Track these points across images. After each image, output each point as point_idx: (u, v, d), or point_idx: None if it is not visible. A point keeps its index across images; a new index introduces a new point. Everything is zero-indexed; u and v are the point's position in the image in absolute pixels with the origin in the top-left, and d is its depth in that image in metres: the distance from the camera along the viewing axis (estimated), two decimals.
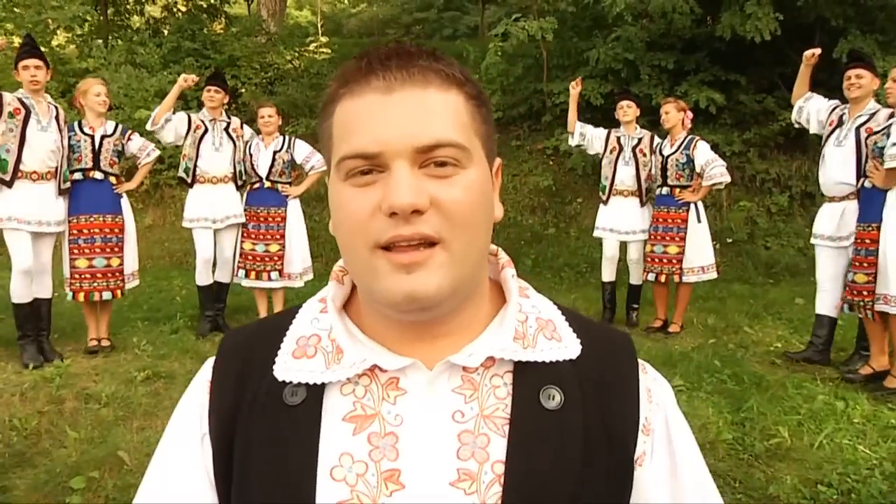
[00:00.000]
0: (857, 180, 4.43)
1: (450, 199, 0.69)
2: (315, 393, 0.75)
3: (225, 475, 0.77)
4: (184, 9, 14.05)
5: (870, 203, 4.25)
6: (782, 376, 4.38)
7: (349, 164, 0.70)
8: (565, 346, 0.78)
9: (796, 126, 5.16)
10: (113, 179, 5.13)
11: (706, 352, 4.96)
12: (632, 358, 0.82)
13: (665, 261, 5.50)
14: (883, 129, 4.24)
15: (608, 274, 5.91)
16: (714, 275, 5.61)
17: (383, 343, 0.76)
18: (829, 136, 4.65)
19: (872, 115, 4.46)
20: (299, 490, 0.72)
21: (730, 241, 8.50)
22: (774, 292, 7.11)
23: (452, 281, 0.70)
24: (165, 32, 13.09)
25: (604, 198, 5.90)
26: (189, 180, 5.55)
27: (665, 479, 0.79)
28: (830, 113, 4.73)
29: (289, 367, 0.77)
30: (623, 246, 5.89)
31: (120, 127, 5.24)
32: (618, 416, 0.77)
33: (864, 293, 4.23)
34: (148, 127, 5.36)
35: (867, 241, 4.24)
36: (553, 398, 0.74)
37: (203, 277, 5.67)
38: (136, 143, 5.35)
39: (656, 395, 0.82)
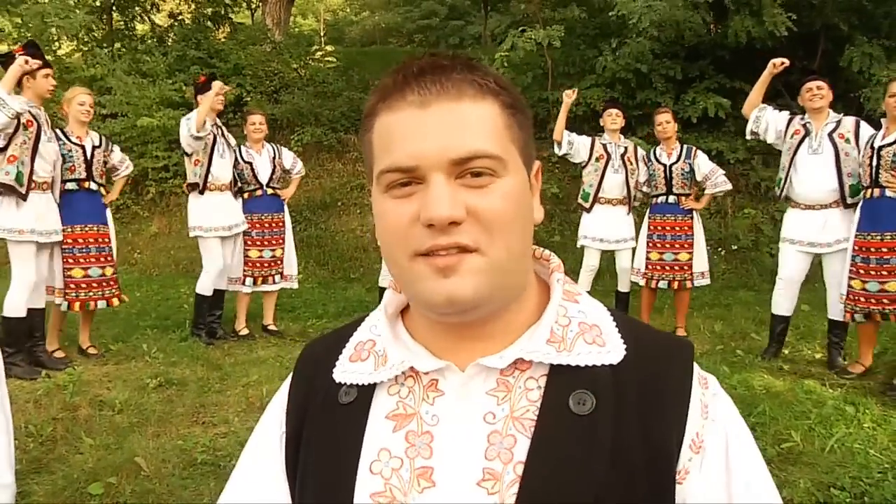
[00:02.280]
0: (840, 186, 4.63)
1: (486, 208, 0.71)
2: (365, 393, 0.80)
3: (294, 471, 0.83)
4: (189, 17, 14.12)
5: (893, 212, 4.31)
6: (791, 382, 4.41)
7: (388, 177, 0.73)
8: (607, 351, 0.77)
9: (749, 137, 5.26)
10: (102, 190, 5.20)
11: (714, 358, 4.99)
12: (686, 368, 0.79)
13: (678, 268, 5.59)
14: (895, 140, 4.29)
15: (586, 284, 5.91)
16: (709, 280, 5.80)
17: (427, 345, 0.80)
18: (798, 145, 4.77)
19: (838, 122, 4.69)
20: (341, 482, 0.76)
21: (735, 248, 8.53)
22: None
23: (490, 285, 0.72)
24: (170, 41, 13.16)
25: (587, 206, 5.89)
26: (201, 187, 5.55)
27: (718, 501, 0.75)
28: (788, 123, 4.87)
29: (345, 369, 0.83)
30: (608, 255, 5.93)
31: (104, 139, 5.30)
32: (660, 426, 0.74)
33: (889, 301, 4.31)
34: (194, 133, 5.28)
35: None
36: (584, 403, 0.74)
37: (211, 287, 5.66)
38: (116, 156, 5.48)
39: (714, 411, 0.78)
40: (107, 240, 5.14)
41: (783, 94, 8.85)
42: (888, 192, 4.30)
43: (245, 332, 5.89)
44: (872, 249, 4.36)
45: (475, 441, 0.74)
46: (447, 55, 0.77)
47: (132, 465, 3.28)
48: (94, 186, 5.08)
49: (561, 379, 0.75)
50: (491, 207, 0.71)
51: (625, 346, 0.78)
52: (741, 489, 0.75)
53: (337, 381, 0.82)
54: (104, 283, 5.10)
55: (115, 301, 5.21)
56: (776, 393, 4.16)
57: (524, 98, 0.81)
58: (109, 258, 5.15)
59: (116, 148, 5.54)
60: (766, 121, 4.99)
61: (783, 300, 5.01)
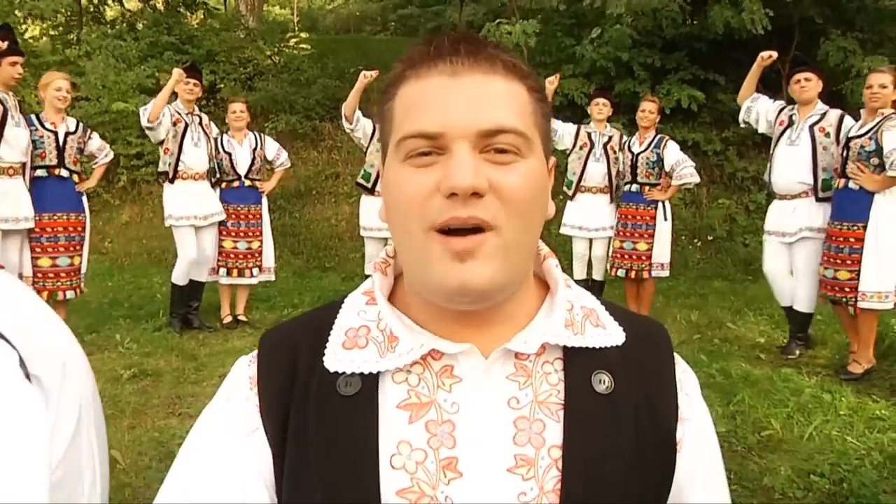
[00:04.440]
0: (814, 179, 4.64)
1: (509, 185, 0.69)
2: (369, 382, 0.74)
3: (280, 468, 0.76)
4: (161, 2, 13.86)
5: (854, 203, 4.34)
6: (769, 370, 4.45)
7: (410, 143, 0.70)
8: (610, 333, 0.79)
9: (743, 126, 5.32)
10: (76, 177, 5.09)
11: (692, 347, 5.03)
12: (668, 348, 0.83)
13: (635, 257, 5.56)
14: (867, 132, 4.31)
15: (579, 272, 5.94)
16: (667, 273, 5.71)
17: (432, 331, 0.76)
18: (780, 136, 4.80)
19: (823, 115, 4.68)
20: (363, 479, 0.71)
21: (710, 238, 8.59)
22: (754, 288, 7.20)
23: (505, 271, 0.70)
24: (140, 26, 12.91)
25: (570, 193, 5.90)
26: (171, 176, 5.47)
27: (696, 472, 0.81)
28: (779, 113, 4.89)
29: (340, 357, 0.76)
30: (589, 243, 5.93)
31: (81, 125, 5.20)
32: (660, 403, 0.78)
33: (847, 289, 4.34)
34: (145, 124, 5.26)
35: (852, 239, 4.33)
36: (603, 383, 0.75)
37: (184, 276, 5.59)
38: (95, 143, 5.36)
39: (686, 385, 0.83)
40: (79, 228, 5.05)
41: (758, 87, 8.93)
42: (851, 184, 4.36)
43: (228, 319, 5.82)
44: (833, 237, 4.46)
45: (501, 427, 0.73)
46: (476, 35, 0.76)
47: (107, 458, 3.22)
48: (64, 173, 4.97)
49: (579, 361, 0.76)
50: (514, 185, 0.69)
51: (622, 329, 0.80)
52: (708, 455, 0.83)
53: (332, 370, 0.75)
54: (72, 273, 5.01)
55: (78, 291, 5.12)
56: (754, 381, 4.20)
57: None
58: (79, 247, 5.05)
59: (95, 135, 5.42)
60: (756, 111, 5.02)
61: (776, 292, 5.00)
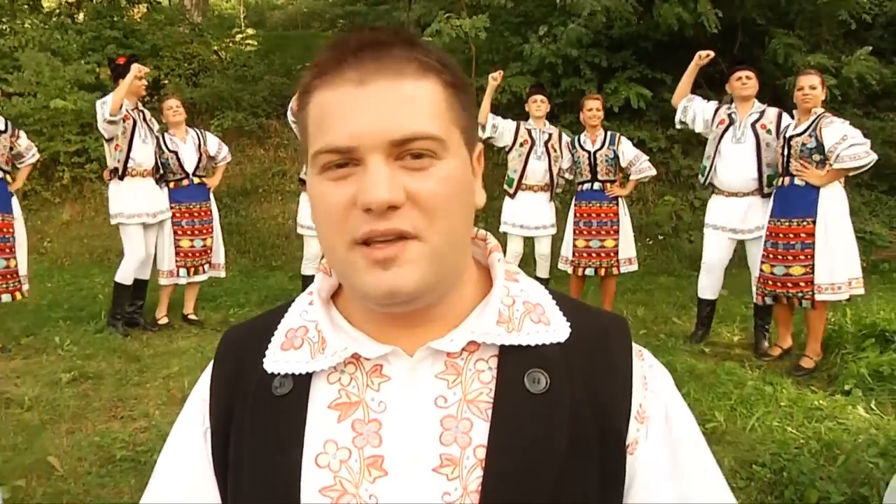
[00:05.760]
0: (760, 175, 4.81)
1: (426, 192, 0.68)
2: (301, 383, 0.76)
3: (223, 468, 0.78)
4: None
5: (801, 199, 4.47)
6: (713, 364, 4.55)
7: (324, 158, 0.69)
8: (553, 329, 0.76)
9: (678, 126, 5.44)
10: (8, 178, 4.94)
11: (638, 342, 5.02)
12: (625, 343, 0.79)
13: (604, 255, 5.60)
14: (805, 131, 4.45)
15: None
16: (636, 266, 5.83)
17: (368, 331, 0.76)
18: (723, 134, 4.93)
19: (762, 112, 4.87)
20: (285, 477, 0.72)
21: (658, 235, 8.73)
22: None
23: (431, 274, 0.70)
24: (81, 17, 12.49)
25: (511, 191, 5.84)
26: (121, 172, 5.32)
27: (665, 472, 0.75)
28: (715, 112, 5.03)
29: (277, 358, 0.78)
30: (529, 241, 5.93)
31: (10, 124, 5.04)
32: (608, 401, 0.75)
33: (802, 284, 4.46)
34: (107, 118, 5.05)
35: (803, 234, 4.46)
36: (539, 382, 0.73)
37: (131, 276, 5.45)
38: (23, 142, 5.21)
39: (652, 382, 0.79)
40: (10, 230, 4.90)
41: (702, 86, 9.12)
42: (797, 181, 4.48)
43: (165, 321, 5.70)
44: (781, 235, 4.54)
45: (428, 426, 0.72)
46: (388, 30, 0.73)
47: (44, 466, 3.11)
48: (1, 174, 4.81)
49: (513, 359, 0.74)
50: (431, 191, 0.68)
51: (569, 324, 0.77)
52: (684, 456, 0.77)
53: (269, 371, 0.77)
54: (9, 276, 4.87)
55: (18, 295, 4.97)
56: (699, 375, 4.28)
57: (467, 77, 0.78)
58: (10, 250, 4.89)
59: (23, 133, 5.26)
60: (693, 111, 5.13)
61: (708, 284, 5.17)
